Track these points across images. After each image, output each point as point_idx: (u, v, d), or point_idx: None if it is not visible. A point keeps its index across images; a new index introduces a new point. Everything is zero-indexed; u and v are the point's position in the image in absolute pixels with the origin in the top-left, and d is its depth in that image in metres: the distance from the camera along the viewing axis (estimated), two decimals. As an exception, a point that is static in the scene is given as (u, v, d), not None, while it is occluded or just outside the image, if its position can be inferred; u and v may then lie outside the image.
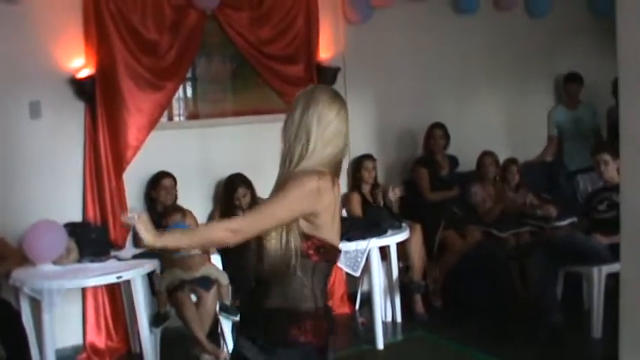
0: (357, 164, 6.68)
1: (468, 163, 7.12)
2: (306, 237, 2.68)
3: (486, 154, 6.93)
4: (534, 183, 7.21)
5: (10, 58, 5.67)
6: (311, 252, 2.68)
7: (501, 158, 7.02)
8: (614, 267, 5.17)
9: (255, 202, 5.96)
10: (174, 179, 5.99)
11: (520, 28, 7.75)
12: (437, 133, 6.96)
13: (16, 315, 5.18)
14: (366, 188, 6.63)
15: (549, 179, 7.58)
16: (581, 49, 7.98)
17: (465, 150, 7.15)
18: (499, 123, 7.79)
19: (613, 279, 5.21)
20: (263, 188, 5.55)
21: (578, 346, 5.50)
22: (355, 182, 6.70)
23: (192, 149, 6.29)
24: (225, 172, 6.26)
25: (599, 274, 5.59)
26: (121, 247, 5.86)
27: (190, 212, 5.75)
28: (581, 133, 7.69)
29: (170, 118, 6.38)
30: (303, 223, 2.67)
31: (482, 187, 6.87)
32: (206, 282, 5.44)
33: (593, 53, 7.76)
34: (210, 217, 6.33)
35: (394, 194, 6.46)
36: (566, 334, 5.60)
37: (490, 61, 7.63)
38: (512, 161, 7.03)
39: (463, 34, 7.43)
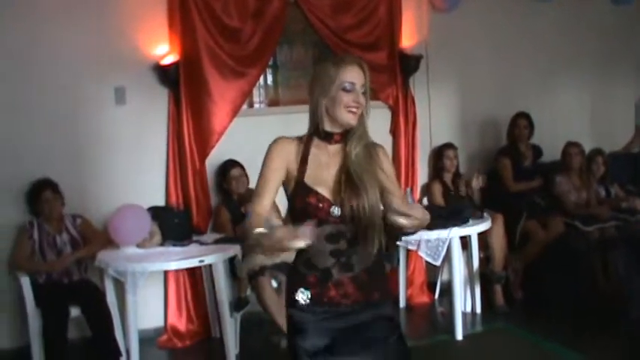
0: (439, 153, 6.64)
1: (551, 153, 7.00)
2: None
3: (572, 145, 6.77)
4: (620, 175, 7.04)
5: (96, 45, 5.78)
6: None
7: (586, 149, 6.86)
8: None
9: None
10: (242, 167, 5.97)
11: (603, 15, 7.58)
12: (521, 122, 6.85)
13: (101, 296, 5.33)
14: (447, 177, 6.58)
15: (635, 171, 7.39)
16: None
17: (549, 140, 7.04)
18: (584, 113, 7.66)
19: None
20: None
21: (662, 343, 5.37)
22: (437, 171, 6.68)
23: (273, 136, 6.24)
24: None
25: (686, 269, 5.44)
26: (202, 231, 5.93)
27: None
28: (670, 124, 7.47)
29: (250, 105, 6.41)
30: None
31: (566, 178, 6.72)
32: (287, 267, 5.42)
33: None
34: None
35: (478, 183, 6.36)
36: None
37: (574, 50, 7.47)
38: (598, 152, 6.87)
39: (546, 23, 7.30)
